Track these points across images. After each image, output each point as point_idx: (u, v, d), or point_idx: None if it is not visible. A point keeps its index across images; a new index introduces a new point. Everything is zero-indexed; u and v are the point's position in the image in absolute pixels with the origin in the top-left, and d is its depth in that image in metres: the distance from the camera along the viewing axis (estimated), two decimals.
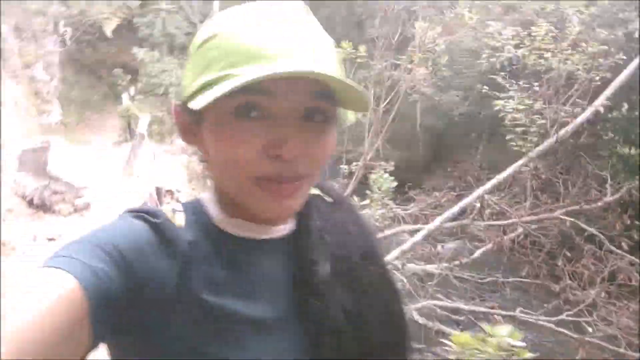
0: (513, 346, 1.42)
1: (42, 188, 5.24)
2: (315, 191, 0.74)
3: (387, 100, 5.02)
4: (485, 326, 1.56)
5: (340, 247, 0.69)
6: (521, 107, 4.19)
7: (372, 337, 0.66)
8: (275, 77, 0.53)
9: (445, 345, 1.58)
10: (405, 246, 4.60)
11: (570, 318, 4.20)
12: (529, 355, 1.42)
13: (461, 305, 4.98)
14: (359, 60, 4.51)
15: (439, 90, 9.06)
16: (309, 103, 0.58)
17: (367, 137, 4.74)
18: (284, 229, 0.68)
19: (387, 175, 4.23)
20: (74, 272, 0.50)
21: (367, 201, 4.16)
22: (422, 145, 9.66)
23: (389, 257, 4.62)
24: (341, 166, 4.53)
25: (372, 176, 4.23)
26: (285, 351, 0.61)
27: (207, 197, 0.69)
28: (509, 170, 4.41)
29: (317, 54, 0.57)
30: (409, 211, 6.07)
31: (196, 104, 0.56)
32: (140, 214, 0.62)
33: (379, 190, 4.13)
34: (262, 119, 0.57)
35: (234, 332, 0.59)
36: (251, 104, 0.57)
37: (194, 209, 0.67)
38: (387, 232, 5.44)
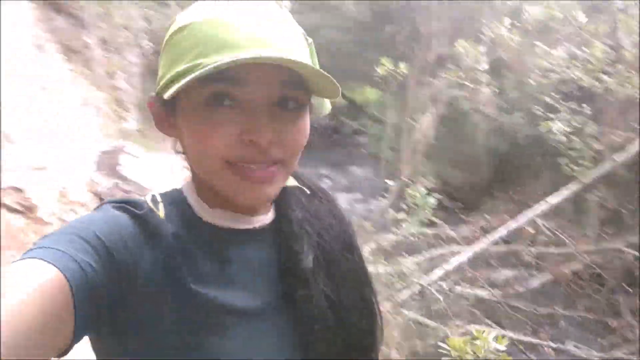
0: (499, 350, 1.44)
1: (112, 186, 5.68)
2: (293, 182, 0.74)
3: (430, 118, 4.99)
4: (473, 328, 1.58)
5: (320, 237, 0.69)
6: (568, 129, 4.03)
7: (350, 323, 0.67)
8: (238, 63, 0.53)
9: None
10: (449, 266, 4.53)
11: (625, 356, 3.92)
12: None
13: (510, 333, 4.80)
14: (398, 77, 4.56)
15: (503, 111, 8.82)
16: (280, 91, 0.58)
17: (404, 153, 4.74)
18: (264, 219, 0.69)
19: (423, 190, 4.20)
20: (56, 262, 0.50)
21: (401, 215, 4.15)
22: (484, 167, 9.40)
23: (432, 277, 4.56)
24: (386, 180, 4.57)
25: (409, 191, 4.22)
26: (271, 338, 0.62)
27: (186, 188, 0.68)
28: (560, 194, 4.22)
29: (285, 42, 0.57)
30: (462, 234, 5.95)
31: (168, 94, 0.56)
32: (121, 205, 0.61)
33: (415, 205, 4.11)
34: (235, 107, 0.58)
35: (220, 321, 0.59)
36: (223, 93, 0.57)
37: (174, 200, 0.67)
38: (434, 252, 5.37)
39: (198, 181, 0.67)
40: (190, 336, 0.57)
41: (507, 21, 4.58)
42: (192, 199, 0.67)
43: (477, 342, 1.51)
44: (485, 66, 4.78)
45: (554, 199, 4.34)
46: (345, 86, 14.90)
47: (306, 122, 0.63)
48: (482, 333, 1.54)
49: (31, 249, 0.52)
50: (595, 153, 4.21)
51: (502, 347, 1.53)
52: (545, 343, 4.27)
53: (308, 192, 0.75)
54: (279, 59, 0.54)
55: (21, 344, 0.44)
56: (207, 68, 0.53)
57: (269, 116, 0.58)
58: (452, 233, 5.83)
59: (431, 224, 6.01)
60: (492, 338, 1.53)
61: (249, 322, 0.61)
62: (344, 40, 12.81)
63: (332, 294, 0.66)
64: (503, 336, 1.57)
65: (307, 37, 0.65)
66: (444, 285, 4.80)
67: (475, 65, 4.65)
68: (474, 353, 1.49)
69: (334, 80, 0.57)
